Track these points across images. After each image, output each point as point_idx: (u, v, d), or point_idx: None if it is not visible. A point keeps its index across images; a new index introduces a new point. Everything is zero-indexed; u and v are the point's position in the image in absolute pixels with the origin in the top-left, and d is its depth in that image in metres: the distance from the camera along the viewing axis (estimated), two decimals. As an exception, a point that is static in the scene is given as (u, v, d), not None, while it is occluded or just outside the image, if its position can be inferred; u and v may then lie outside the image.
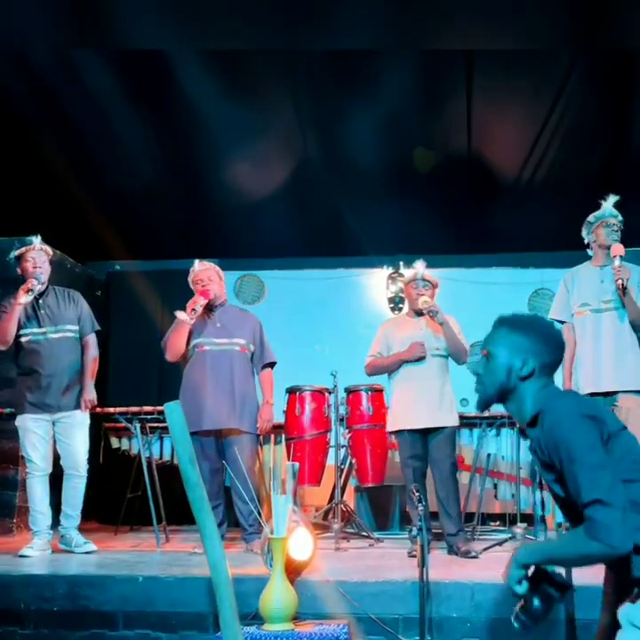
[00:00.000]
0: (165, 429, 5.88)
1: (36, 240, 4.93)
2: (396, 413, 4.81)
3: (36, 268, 4.84)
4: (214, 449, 4.80)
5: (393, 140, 6.31)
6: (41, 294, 4.89)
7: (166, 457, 6.21)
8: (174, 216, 7.04)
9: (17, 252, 4.95)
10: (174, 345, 4.82)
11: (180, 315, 4.79)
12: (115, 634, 3.61)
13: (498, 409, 5.06)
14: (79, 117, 5.81)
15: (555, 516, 6.04)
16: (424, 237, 7.27)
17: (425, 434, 4.69)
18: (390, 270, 7.87)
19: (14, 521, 6.19)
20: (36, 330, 4.85)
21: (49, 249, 5.01)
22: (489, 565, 4.07)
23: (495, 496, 6.04)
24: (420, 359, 4.69)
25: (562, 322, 4.59)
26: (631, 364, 4.38)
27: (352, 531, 5.46)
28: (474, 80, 5.74)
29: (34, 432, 4.82)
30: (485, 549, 4.63)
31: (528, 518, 5.58)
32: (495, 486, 5.94)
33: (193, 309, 4.72)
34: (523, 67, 5.56)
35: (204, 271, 4.95)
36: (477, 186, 6.73)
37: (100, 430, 6.04)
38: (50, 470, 4.89)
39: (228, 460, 4.70)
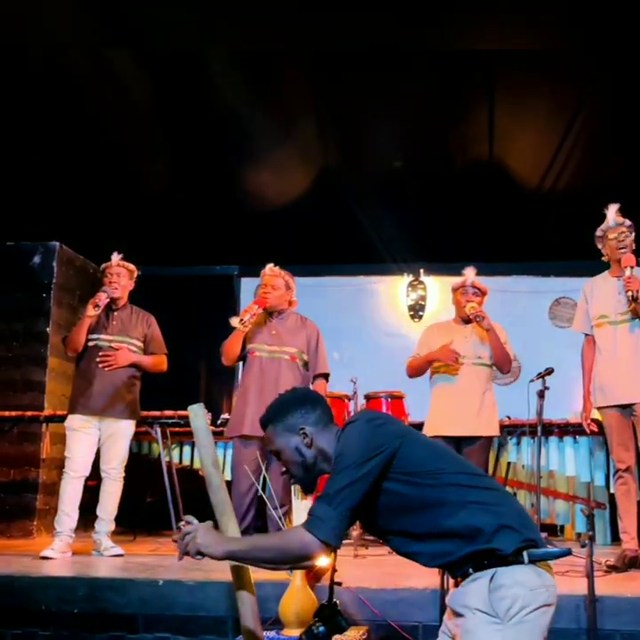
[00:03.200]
0: (186, 434, 5.92)
1: (114, 257, 5.16)
2: (431, 419, 4.82)
3: (111, 283, 5.08)
4: (256, 454, 4.64)
5: (414, 147, 6.31)
6: (117, 307, 5.12)
7: (186, 461, 6.24)
8: (195, 222, 7.09)
9: (102, 267, 5.25)
10: (228, 350, 4.86)
11: (232, 322, 4.84)
12: (134, 637, 3.61)
13: (518, 417, 5.04)
14: (102, 123, 5.86)
15: (574, 525, 6.02)
16: (444, 245, 7.28)
17: (459, 442, 4.69)
18: (410, 278, 7.87)
19: (35, 523, 6.26)
20: (103, 336, 5.03)
21: (130, 266, 5.21)
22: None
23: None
24: (453, 370, 4.69)
25: (584, 334, 4.57)
26: None
27: (371, 538, 5.45)
28: (496, 89, 5.74)
29: (81, 432, 4.93)
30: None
31: (547, 528, 5.55)
32: (514, 495, 5.92)
33: (241, 320, 4.75)
34: (544, 76, 5.55)
35: (271, 277, 4.97)
36: (498, 194, 6.71)
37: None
38: (87, 474, 4.96)
39: (270, 468, 4.65)
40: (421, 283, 7.84)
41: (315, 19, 4.86)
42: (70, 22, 4.80)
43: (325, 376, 5.01)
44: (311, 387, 4.95)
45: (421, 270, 7.82)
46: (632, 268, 4.34)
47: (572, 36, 5.03)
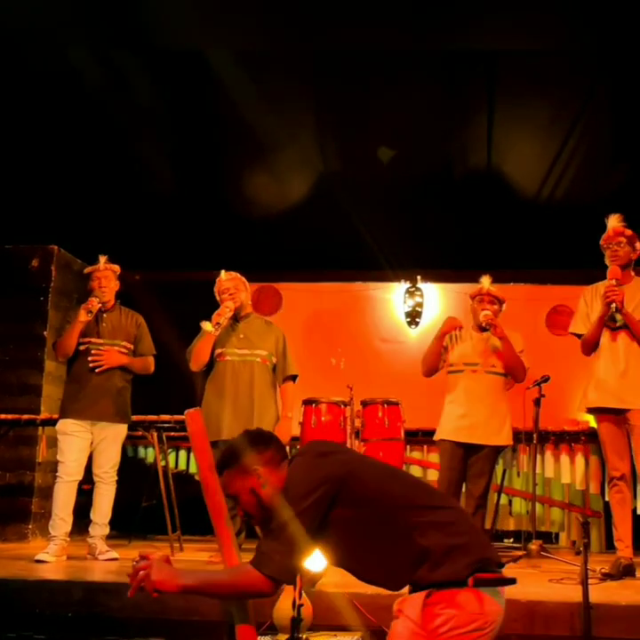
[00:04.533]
0: (182, 439, 5.91)
1: (102, 260, 5.15)
2: (441, 423, 4.85)
3: (100, 287, 5.08)
4: None
5: (413, 154, 6.33)
6: (106, 309, 5.11)
7: (182, 466, 6.23)
8: (194, 228, 7.09)
9: (85, 271, 5.26)
10: (199, 355, 4.86)
11: (205, 326, 4.83)
12: (128, 641, 3.62)
13: (514, 425, 5.05)
14: (101, 125, 5.87)
15: (570, 533, 6.02)
16: (441, 252, 7.29)
17: (467, 448, 4.71)
18: (407, 285, 7.88)
19: (30, 527, 6.25)
20: (94, 339, 5.03)
21: (115, 267, 5.21)
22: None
23: (509, 512, 6.02)
24: (458, 328, 4.82)
25: (580, 335, 4.57)
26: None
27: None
28: (495, 97, 5.77)
29: (73, 436, 4.92)
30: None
31: (542, 535, 5.55)
32: (510, 502, 5.93)
33: (217, 322, 4.75)
34: (543, 85, 5.57)
35: (230, 280, 4.99)
36: (496, 202, 6.73)
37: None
38: (80, 477, 4.97)
39: None
40: (418, 290, 7.84)
41: (314, 21, 4.87)
42: (71, 21, 4.80)
43: (293, 377, 5.03)
44: (279, 389, 4.98)
45: (418, 277, 7.82)
46: (618, 279, 4.35)
47: (571, 39, 5.04)
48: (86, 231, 6.73)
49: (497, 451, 4.79)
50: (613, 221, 4.53)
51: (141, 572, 2.11)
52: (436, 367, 4.94)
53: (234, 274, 5.06)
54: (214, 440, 4.55)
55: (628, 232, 4.50)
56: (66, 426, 4.95)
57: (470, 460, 4.71)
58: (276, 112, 5.90)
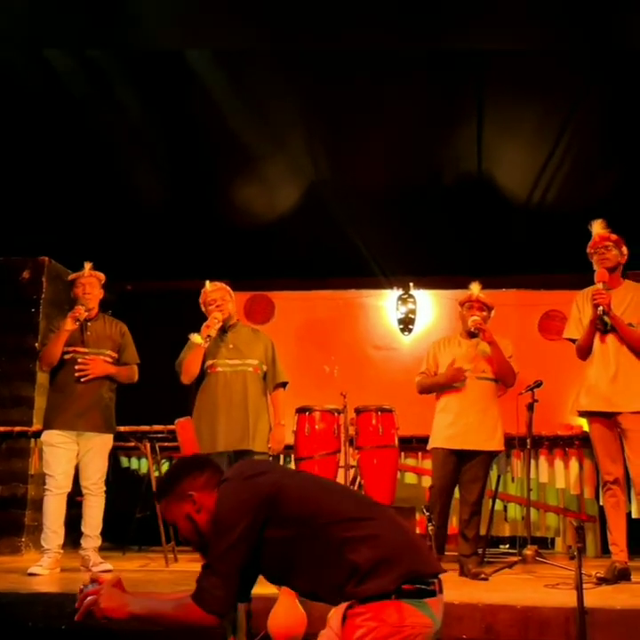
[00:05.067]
0: (175, 448, 5.89)
1: (87, 267, 5.10)
2: (433, 431, 4.85)
3: (85, 294, 5.02)
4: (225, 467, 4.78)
5: (403, 162, 6.34)
6: (90, 318, 5.05)
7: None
8: (186, 237, 7.09)
9: (69, 278, 5.20)
10: (189, 368, 4.79)
11: (194, 338, 4.78)
12: (122, 653, 3.59)
13: (508, 430, 5.05)
14: (91, 137, 5.87)
15: (565, 538, 6.02)
16: (433, 259, 7.30)
17: (460, 455, 4.71)
18: (400, 291, 7.89)
19: (23, 540, 6.21)
20: (79, 348, 4.97)
21: (100, 274, 5.16)
22: (499, 588, 4.05)
23: (505, 518, 6.01)
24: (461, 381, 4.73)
25: (574, 340, 4.58)
26: (632, 385, 4.34)
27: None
28: (484, 104, 5.79)
29: (59, 448, 4.87)
30: (495, 571, 4.61)
31: (538, 541, 5.54)
32: (505, 508, 5.92)
33: (208, 335, 4.72)
34: (532, 91, 5.59)
35: (215, 291, 4.95)
36: (487, 208, 6.75)
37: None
38: (68, 489, 4.91)
39: None
40: (411, 296, 7.85)
41: (301, 21, 4.86)
42: (54, 25, 4.77)
43: (284, 385, 5.02)
44: (270, 396, 4.97)
45: (411, 284, 7.83)
46: (605, 282, 4.37)
47: (559, 40, 5.05)
48: (77, 242, 6.71)
49: (490, 456, 4.79)
50: (597, 227, 4.54)
51: (90, 598, 2.12)
52: (432, 393, 4.97)
53: (219, 284, 5.02)
54: (209, 453, 4.55)
55: (614, 237, 4.51)
56: (51, 437, 4.88)
57: (464, 467, 4.71)
58: (265, 120, 5.92)
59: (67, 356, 4.94)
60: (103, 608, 2.11)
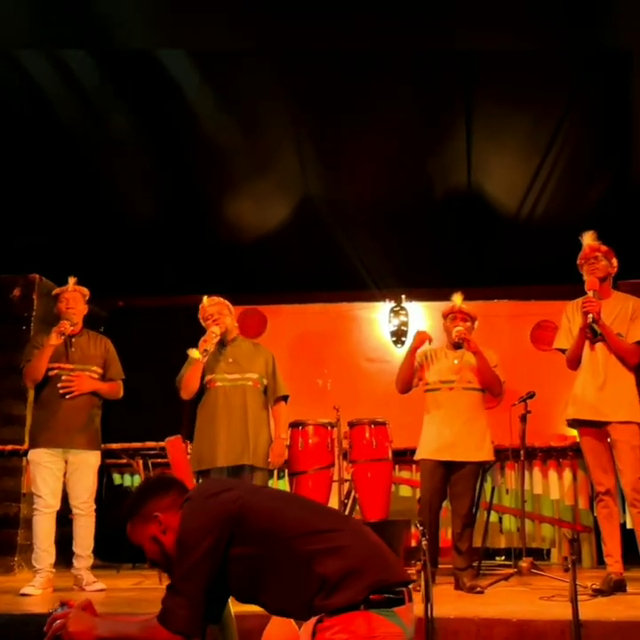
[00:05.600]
0: (167, 465, 5.86)
1: (71, 281, 5.05)
2: (421, 442, 4.84)
3: (68, 308, 4.97)
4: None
5: (393, 175, 6.36)
6: (74, 334, 4.98)
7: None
8: (177, 252, 7.09)
9: (54, 292, 5.15)
10: (189, 383, 4.76)
11: (192, 353, 4.76)
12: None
13: (501, 441, 5.04)
14: (81, 155, 5.88)
15: (560, 549, 6.00)
16: (425, 271, 7.31)
17: (448, 466, 4.69)
18: (392, 304, 7.90)
19: (15, 559, 6.16)
20: (64, 365, 4.91)
21: (84, 289, 5.12)
22: (494, 601, 4.03)
23: (500, 530, 6.00)
24: (428, 341, 4.82)
25: (564, 350, 4.58)
26: (620, 395, 4.34)
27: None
28: (473, 115, 5.82)
29: (46, 467, 4.80)
30: (491, 584, 4.59)
31: (534, 552, 5.53)
32: (500, 520, 5.91)
33: (205, 349, 4.70)
34: (521, 103, 5.63)
35: (213, 306, 4.93)
36: (478, 220, 6.77)
37: (102, 467, 6.01)
38: (57, 507, 4.85)
39: None
40: (403, 309, 7.86)
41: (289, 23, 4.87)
42: (28, 26, 4.75)
43: (285, 398, 4.99)
44: (271, 410, 4.95)
45: (403, 296, 7.84)
46: (596, 291, 4.38)
47: (546, 42, 5.08)
48: (68, 259, 6.70)
49: (479, 467, 4.77)
50: (588, 239, 4.56)
51: (58, 622, 2.11)
52: (410, 384, 4.94)
53: (217, 299, 5.01)
54: (208, 468, 4.54)
55: (604, 248, 4.53)
56: (38, 456, 4.82)
57: (453, 478, 4.69)
58: (256, 136, 5.94)
59: (51, 373, 4.87)
60: (71, 632, 2.11)
